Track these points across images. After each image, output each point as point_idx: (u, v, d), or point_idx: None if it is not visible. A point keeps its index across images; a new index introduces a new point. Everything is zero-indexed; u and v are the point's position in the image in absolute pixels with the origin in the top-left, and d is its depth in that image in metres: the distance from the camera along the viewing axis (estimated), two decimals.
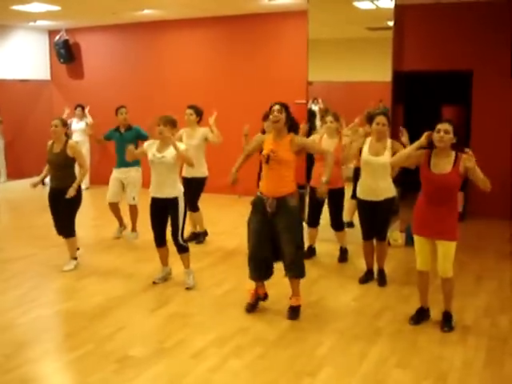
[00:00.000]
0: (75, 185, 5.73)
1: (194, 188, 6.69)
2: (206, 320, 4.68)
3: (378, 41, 7.18)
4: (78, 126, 10.80)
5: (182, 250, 5.44)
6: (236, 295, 5.22)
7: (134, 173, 7.09)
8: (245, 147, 5.28)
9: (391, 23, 7.04)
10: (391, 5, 7.04)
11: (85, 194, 10.76)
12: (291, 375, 3.78)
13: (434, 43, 8.55)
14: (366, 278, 5.68)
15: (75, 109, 10.82)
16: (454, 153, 4.33)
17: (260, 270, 4.77)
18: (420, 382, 3.69)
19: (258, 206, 4.68)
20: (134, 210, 7.24)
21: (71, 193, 5.69)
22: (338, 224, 6.38)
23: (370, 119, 5.61)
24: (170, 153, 5.24)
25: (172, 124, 5.29)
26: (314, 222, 6.43)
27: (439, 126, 4.29)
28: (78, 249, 6.13)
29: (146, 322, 4.71)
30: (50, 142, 5.94)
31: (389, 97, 7.07)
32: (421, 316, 4.67)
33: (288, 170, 4.62)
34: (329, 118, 6.21)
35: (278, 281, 4.97)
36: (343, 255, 6.42)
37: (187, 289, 5.40)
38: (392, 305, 5.06)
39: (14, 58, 11.37)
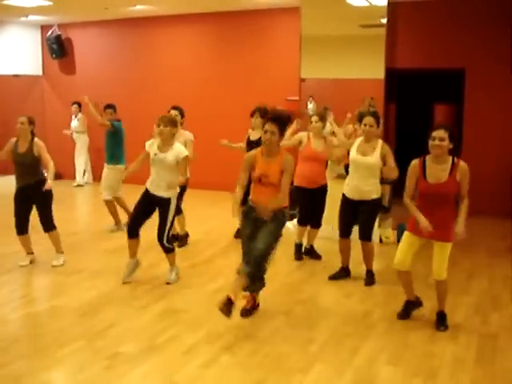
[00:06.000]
0: (50, 180, 5.65)
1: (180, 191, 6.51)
2: (197, 316, 4.67)
3: (370, 38, 7.20)
4: (74, 123, 10.74)
5: (168, 250, 5.48)
6: (228, 291, 5.19)
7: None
8: (240, 176, 4.57)
9: (384, 20, 7.06)
10: (384, 2, 7.06)
11: (78, 190, 10.86)
12: (282, 372, 3.78)
13: (427, 41, 8.57)
14: (339, 275, 5.65)
15: (72, 106, 10.76)
16: (450, 159, 4.18)
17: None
18: (411, 379, 3.70)
19: (249, 214, 4.52)
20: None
21: (48, 186, 5.61)
22: (319, 221, 6.29)
23: (360, 119, 5.57)
24: (171, 153, 5.25)
25: (172, 124, 5.30)
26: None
27: (434, 134, 4.10)
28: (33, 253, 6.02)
29: (138, 318, 4.69)
30: (13, 140, 5.75)
31: (381, 94, 7.08)
32: (409, 309, 4.68)
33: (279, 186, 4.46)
34: (314, 118, 6.10)
35: (270, 277, 4.96)
36: (316, 253, 6.38)
37: (167, 283, 5.43)
38: (383, 302, 5.08)
39: (6, 53, 11.30)
